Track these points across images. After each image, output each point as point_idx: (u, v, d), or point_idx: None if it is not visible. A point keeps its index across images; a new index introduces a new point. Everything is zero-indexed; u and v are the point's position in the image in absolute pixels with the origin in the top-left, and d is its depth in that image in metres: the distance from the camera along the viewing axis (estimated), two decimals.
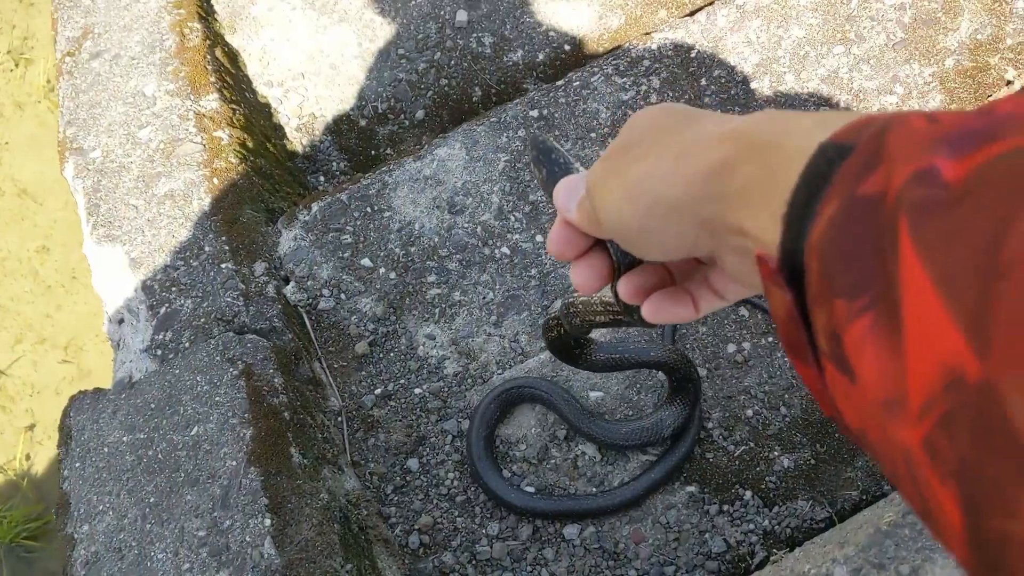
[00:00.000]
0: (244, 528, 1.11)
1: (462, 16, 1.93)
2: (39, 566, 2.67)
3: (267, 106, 1.94)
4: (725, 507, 1.29)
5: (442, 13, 1.94)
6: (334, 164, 1.91)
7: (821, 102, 1.50)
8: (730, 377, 1.35)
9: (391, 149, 1.90)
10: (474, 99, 1.90)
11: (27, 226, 3.05)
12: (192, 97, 1.69)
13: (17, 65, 3.27)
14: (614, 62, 1.54)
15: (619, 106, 1.50)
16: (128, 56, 1.81)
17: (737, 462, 1.31)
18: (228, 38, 1.98)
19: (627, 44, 1.61)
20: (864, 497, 1.26)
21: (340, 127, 1.92)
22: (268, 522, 1.11)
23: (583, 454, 1.33)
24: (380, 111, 1.91)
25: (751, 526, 1.27)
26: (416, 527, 1.31)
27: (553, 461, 1.34)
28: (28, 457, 2.81)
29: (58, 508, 1.25)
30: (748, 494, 1.29)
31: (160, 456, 1.21)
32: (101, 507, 1.19)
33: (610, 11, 1.88)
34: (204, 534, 1.12)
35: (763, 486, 1.29)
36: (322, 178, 1.90)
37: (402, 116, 1.91)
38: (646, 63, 1.53)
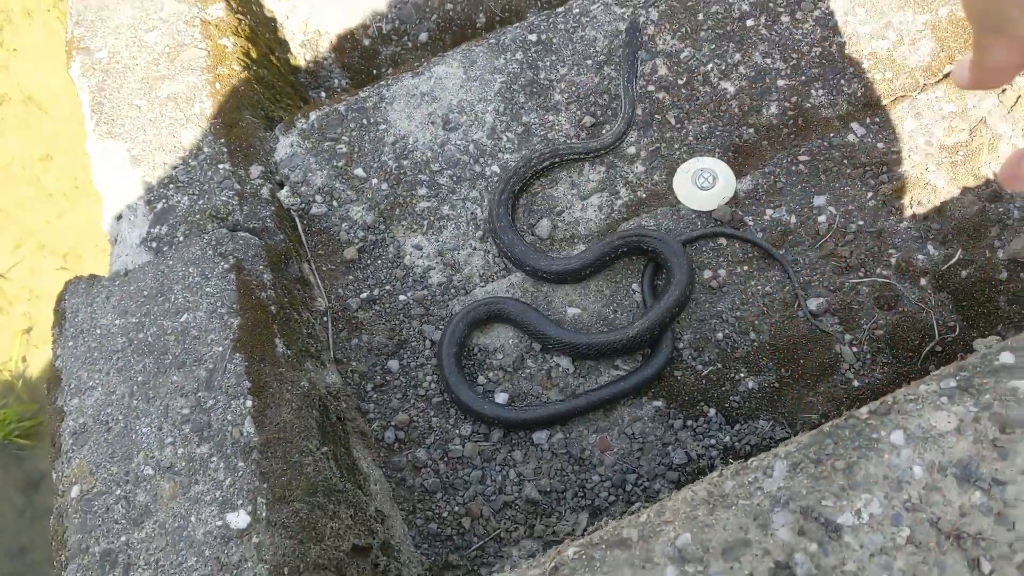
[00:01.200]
0: (226, 408, 1.16)
1: None
2: (29, 464, 2.75)
3: (273, 20, 1.95)
4: (689, 422, 1.34)
5: None
6: (335, 81, 1.93)
7: (815, 43, 1.52)
8: (704, 301, 1.39)
9: (393, 70, 1.92)
10: (478, 25, 1.92)
11: (32, 133, 3.08)
12: (199, 5, 1.71)
13: None
14: None
15: (616, 35, 1.52)
16: None
17: (704, 381, 1.36)
18: None
19: None
20: (823, 421, 1.31)
21: (344, 45, 1.94)
22: (249, 403, 1.16)
23: (557, 366, 1.38)
24: (384, 32, 1.92)
25: (712, 441, 1.32)
26: (392, 423, 1.36)
27: (528, 371, 1.39)
28: (24, 359, 2.88)
29: (49, 383, 1.30)
30: (712, 411, 1.34)
31: (150, 339, 1.25)
32: (91, 383, 1.24)
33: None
34: (188, 412, 1.17)
35: (727, 405, 1.34)
36: (323, 94, 1.92)
37: (405, 38, 1.93)
38: None
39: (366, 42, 1.93)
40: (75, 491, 1.15)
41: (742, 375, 1.35)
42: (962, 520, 0.83)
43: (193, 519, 1.08)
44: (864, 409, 0.90)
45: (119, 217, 1.55)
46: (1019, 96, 1.45)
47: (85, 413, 1.21)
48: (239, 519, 1.07)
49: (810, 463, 0.87)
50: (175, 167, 1.47)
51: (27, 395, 2.83)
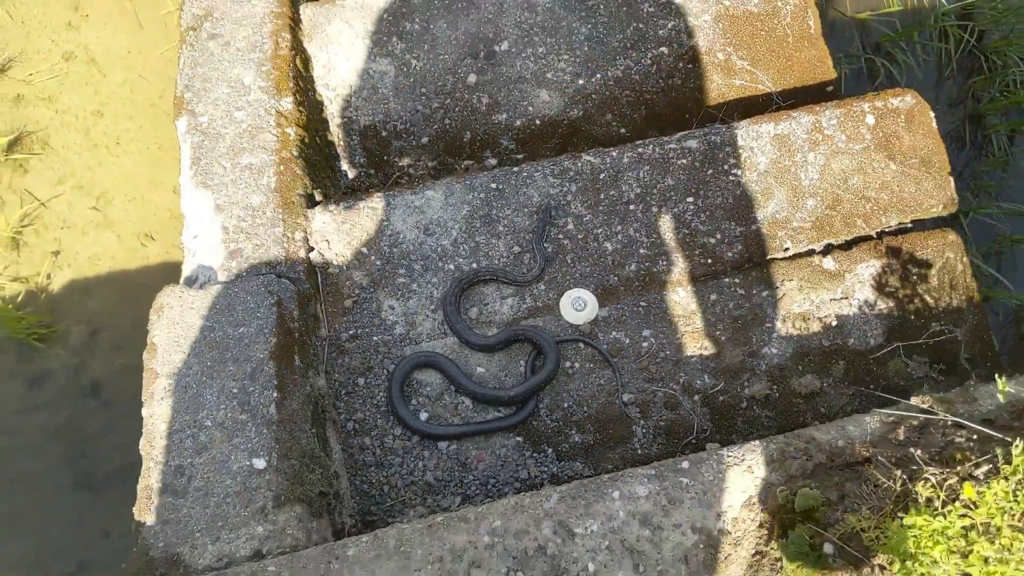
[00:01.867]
0: (260, 394, 1.96)
1: (472, 79, 2.72)
2: (39, 363, 3.48)
3: (321, 103, 2.71)
4: (535, 455, 2.18)
5: (459, 72, 2.72)
6: (356, 158, 2.69)
7: (669, 231, 2.34)
8: (562, 381, 2.23)
9: (399, 158, 2.69)
10: (464, 140, 2.70)
11: (89, 91, 3.75)
12: (275, 97, 2.46)
13: None
14: (551, 167, 2.36)
15: (547, 196, 2.33)
16: (236, 47, 2.56)
17: (549, 431, 2.20)
18: (305, 44, 2.73)
19: (565, 155, 2.43)
20: (614, 470, 2.15)
21: (367, 133, 2.71)
22: (275, 394, 1.95)
23: (462, 402, 2.21)
24: (398, 129, 2.70)
25: (545, 469, 2.16)
26: (353, 418, 2.17)
27: (444, 402, 2.21)
28: (49, 276, 3.58)
29: (146, 351, 2.07)
30: (550, 450, 2.18)
31: (217, 338, 2.03)
32: (176, 358, 2.02)
33: (572, 106, 2.69)
34: (236, 391, 1.96)
35: (560, 448, 2.18)
36: (345, 165, 2.69)
37: (411, 137, 2.71)
38: (571, 171, 2.36)
39: (383, 134, 2.70)
40: (162, 426, 1.93)
41: (572, 431, 2.19)
42: (636, 543, 1.67)
43: (232, 457, 1.88)
44: (605, 476, 1.75)
45: (195, 237, 2.32)
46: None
47: (171, 377, 1.99)
48: (259, 463, 1.87)
49: (570, 498, 1.71)
50: (245, 220, 2.24)
51: (47, 307, 3.55)
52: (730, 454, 1.75)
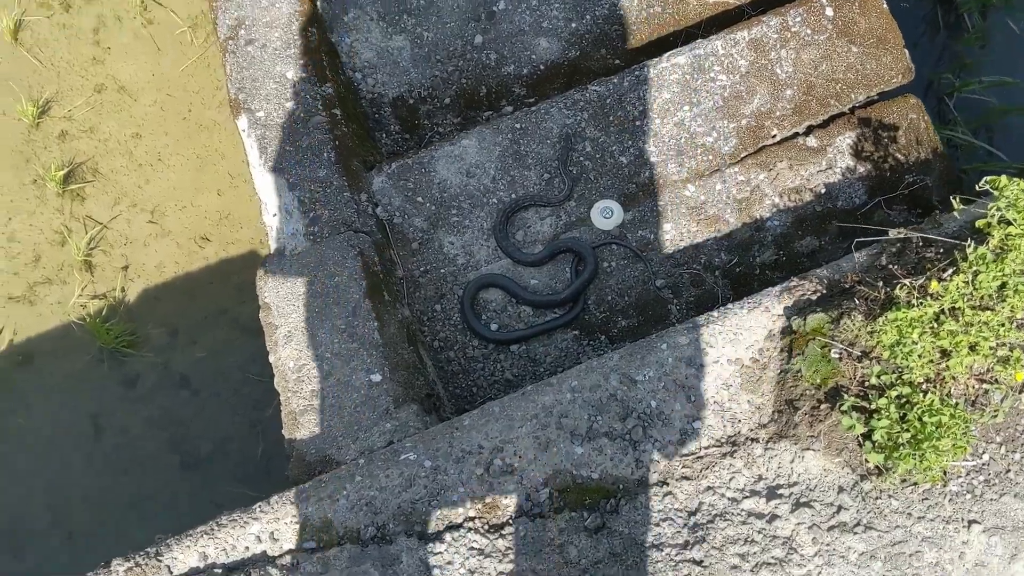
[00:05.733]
0: (363, 325, 2.48)
1: (479, 39, 3.21)
2: (131, 367, 4.01)
3: (351, 83, 3.22)
4: (591, 343, 2.70)
5: (466, 35, 3.21)
6: (391, 126, 3.20)
7: (672, 135, 2.84)
8: (602, 279, 2.75)
9: (427, 120, 3.20)
10: (481, 95, 3.20)
11: (124, 116, 4.25)
12: (317, 85, 2.96)
13: None
14: (563, 101, 2.86)
15: (564, 127, 2.84)
16: (272, 48, 3.06)
17: (599, 321, 2.72)
18: (329, 35, 3.23)
19: (573, 89, 2.93)
20: None
21: (396, 103, 3.21)
22: (375, 323, 2.48)
23: (524, 311, 2.73)
24: (422, 95, 3.20)
25: (600, 353, 2.69)
26: (437, 338, 2.70)
27: (508, 313, 2.74)
28: (123, 289, 4.11)
29: (262, 308, 2.60)
30: (603, 337, 2.71)
31: (318, 289, 2.56)
32: (288, 311, 2.55)
33: (570, 47, 3.18)
34: (344, 327, 2.49)
35: (610, 334, 2.71)
36: (383, 135, 3.19)
37: (435, 99, 3.21)
38: (581, 102, 2.86)
39: (411, 101, 3.20)
40: (290, 364, 2.47)
41: (619, 318, 2.71)
42: (685, 380, 2.19)
43: (353, 376, 2.42)
44: (653, 335, 2.27)
45: (274, 215, 2.83)
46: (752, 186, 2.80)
47: (289, 326, 2.52)
48: (376, 377, 2.40)
49: (628, 355, 2.24)
50: (317, 192, 2.75)
51: (127, 316, 4.08)
52: (750, 300, 2.26)
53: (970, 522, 1.94)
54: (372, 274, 2.58)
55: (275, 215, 2.82)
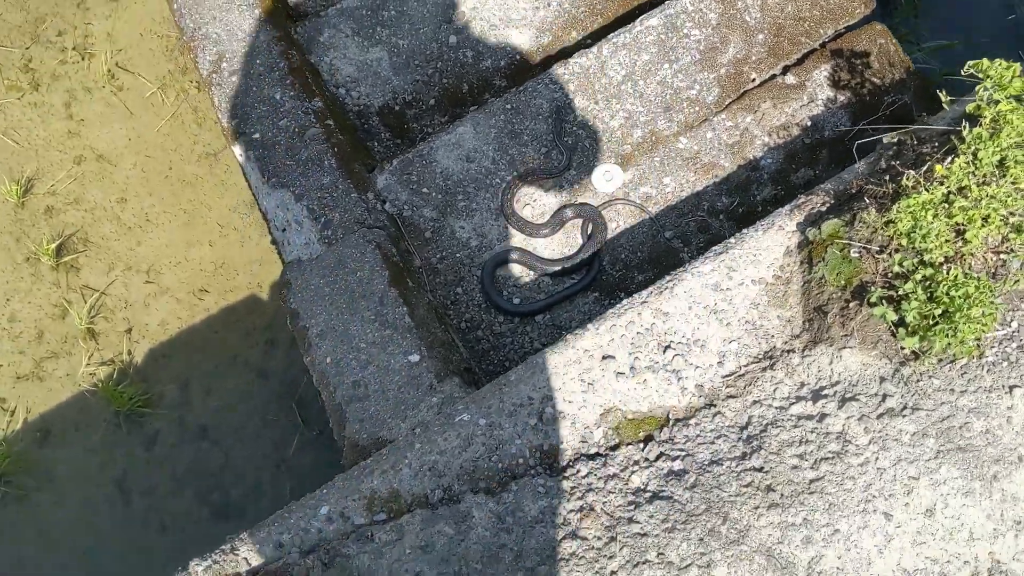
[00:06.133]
0: (393, 311, 2.57)
1: (453, 39, 3.34)
2: (149, 426, 4.05)
3: (336, 98, 3.33)
4: (612, 302, 2.80)
5: (440, 37, 3.34)
6: (382, 134, 3.31)
7: (659, 93, 2.97)
8: (614, 239, 2.85)
9: (416, 123, 3.31)
10: (463, 92, 3.32)
11: (107, 183, 4.33)
12: (307, 100, 3.07)
13: (83, 58, 4.51)
14: (548, 78, 3.00)
15: (553, 101, 2.96)
16: (256, 73, 3.17)
17: (617, 279, 2.82)
18: (308, 57, 3.35)
19: (556, 63, 3.06)
20: None
21: (383, 111, 3.32)
22: (405, 309, 2.57)
23: (542, 280, 2.83)
24: (407, 100, 3.32)
25: None
26: (463, 319, 2.79)
27: (528, 285, 2.83)
28: (130, 352, 4.16)
29: (290, 316, 2.68)
30: (622, 295, 2.80)
31: (342, 286, 2.64)
32: (317, 311, 2.63)
33: (541, 34, 3.32)
34: (373, 317, 2.57)
35: (630, 289, 2.80)
36: (375, 144, 3.30)
37: (421, 103, 3.33)
38: (565, 75, 3.00)
39: (396, 108, 3.32)
40: (327, 360, 2.54)
41: (635, 274, 2.81)
42: (715, 305, 2.29)
43: (392, 361, 2.49)
44: (677, 269, 2.37)
45: (284, 230, 2.93)
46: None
47: (320, 326, 2.60)
48: (414, 357, 2.48)
49: (657, 291, 2.33)
50: (324, 197, 2.85)
51: (138, 377, 4.12)
52: (763, 222, 2.37)
53: (1011, 387, 2.04)
54: (393, 264, 2.67)
55: (284, 230, 2.91)
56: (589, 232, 2.83)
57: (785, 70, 2.97)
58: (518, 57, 3.30)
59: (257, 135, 3.01)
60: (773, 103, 2.92)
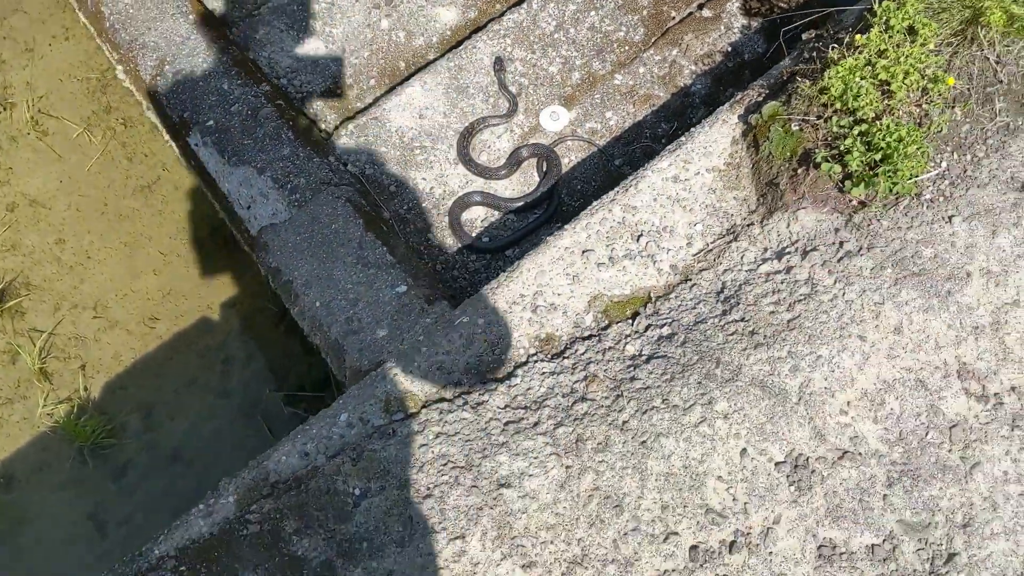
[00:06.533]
0: (374, 251, 2.72)
1: (384, 23, 3.56)
2: (115, 458, 4.07)
3: (280, 88, 3.50)
4: None
5: (372, 22, 3.55)
6: (328, 116, 3.49)
7: (591, 37, 3.23)
8: (569, 172, 3.08)
9: (359, 103, 3.50)
10: (401, 68, 3.54)
11: (43, 226, 4.38)
12: (254, 87, 3.24)
13: (4, 109, 4.57)
14: (486, 34, 3.23)
15: (493, 54, 3.20)
16: (201, 69, 3.33)
17: (577, 208, 3.03)
18: (247, 54, 3.52)
19: (492, 21, 3.30)
20: None
21: (326, 94, 3.51)
22: (384, 248, 2.73)
23: (508, 218, 3.02)
24: (347, 83, 3.51)
25: None
26: (438, 263, 2.96)
27: (494, 223, 3.02)
28: (86, 388, 4.17)
29: (271, 274, 2.81)
30: None
31: (319, 239, 2.79)
32: (299, 264, 2.76)
33: (468, 9, 3.56)
34: (355, 260, 2.72)
35: None
36: (324, 125, 3.47)
37: (361, 82, 3.52)
38: (501, 30, 3.24)
39: (338, 91, 3.51)
40: (317, 303, 2.67)
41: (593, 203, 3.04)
42: (676, 195, 2.52)
43: (380, 294, 2.64)
44: (638, 170, 2.60)
45: (248, 207, 3.06)
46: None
47: (304, 277, 2.74)
48: (401, 288, 2.64)
49: (623, 189, 2.55)
50: (288, 166, 3.00)
51: (97, 411, 4.15)
52: (708, 119, 2.63)
53: (950, 217, 2.31)
54: (365, 213, 2.84)
55: (249, 206, 3.04)
56: (544, 169, 3.05)
57: (700, 6, 3.27)
58: (448, 33, 3.53)
59: (211, 122, 3.16)
60: (695, 35, 3.21)
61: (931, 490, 2.05)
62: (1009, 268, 2.22)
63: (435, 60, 3.39)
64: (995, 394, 2.13)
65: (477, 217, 3.02)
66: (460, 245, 2.96)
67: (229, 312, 4.49)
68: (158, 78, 3.35)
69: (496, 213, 3.02)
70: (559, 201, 3.01)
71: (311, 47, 3.52)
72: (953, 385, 2.13)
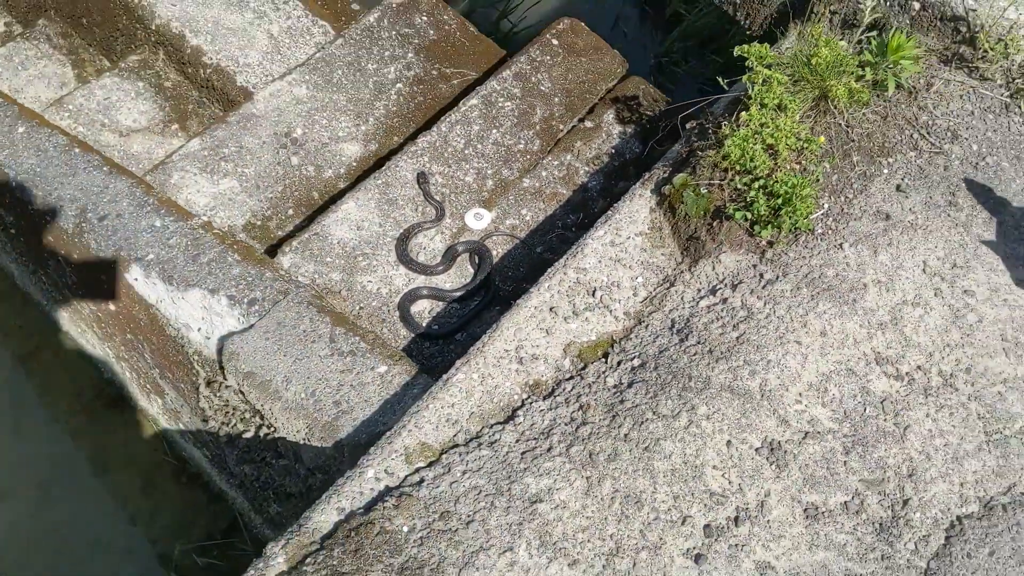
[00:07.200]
0: (347, 342, 3.00)
1: (295, 160, 3.95)
2: None
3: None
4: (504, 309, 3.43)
5: (282, 160, 3.93)
6: (254, 244, 3.78)
7: (500, 152, 3.76)
8: (501, 261, 3.52)
9: (280, 231, 3.82)
10: (315, 198, 3.91)
11: None
12: (187, 219, 3.50)
13: None
14: (407, 156, 3.70)
15: (415, 170, 3.65)
16: (128, 212, 3.56)
17: (511, 292, 3.46)
18: (167, 195, 3.78)
19: (409, 143, 3.77)
20: None
21: (247, 227, 3.81)
22: (357, 338, 3.02)
23: (452, 306, 3.40)
24: (267, 214, 3.84)
25: None
26: (401, 350, 3.28)
27: (439, 312, 3.39)
28: None
29: (245, 379, 3.01)
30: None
31: (290, 339, 3.04)
32: (275, 363, 2.99)
33: (368, 143, 4.03)
34: (329, 352, 2.99)
35: None
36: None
37: (279, 213, 3.86)
38: (418, 150, 3.71)
39: (258, 223, 3.82)
40: (302, 394, 2.90)
41: (524, 285, 3.48)
42: (615, 255, 3.02)
43: (362, 376, 2.91)
44: (583, 236, 3.09)
45: (199, 328, 3.27)
46: None
47: (283, 374, 2.97)
48: (382, 369, 2.93)
49: (571, 254, 3.02)
50: (240, 284, 3.26)
51: None
52: (626, 197, 3.18)
53: (840, 244, 2.92)
54: (329, 310, 3.14)
55: (200, 327, 3.27)
56: (477, 261, 3.48)
57: (581, 119, 3.91)
58: (354, 164, 3.98)
59: (151, 255, 3.38)
60: (583, 142, 3.82)
61: (878, 452, 2.54)
62: (893, 277, 2.84)
63: (355, 184, 3.80)
64: (907, 373, 2.68)
65: (424, 309, 3.38)
66: (414, 334, 3.30)
67: (129, 469, 4.57)
68: (83, 224, 3.54)
69: (441, 304, 3.39)
70: (495, 288, 3.43)
71: (226, 186, 3.84)
72: (875, 370, 2.67)
